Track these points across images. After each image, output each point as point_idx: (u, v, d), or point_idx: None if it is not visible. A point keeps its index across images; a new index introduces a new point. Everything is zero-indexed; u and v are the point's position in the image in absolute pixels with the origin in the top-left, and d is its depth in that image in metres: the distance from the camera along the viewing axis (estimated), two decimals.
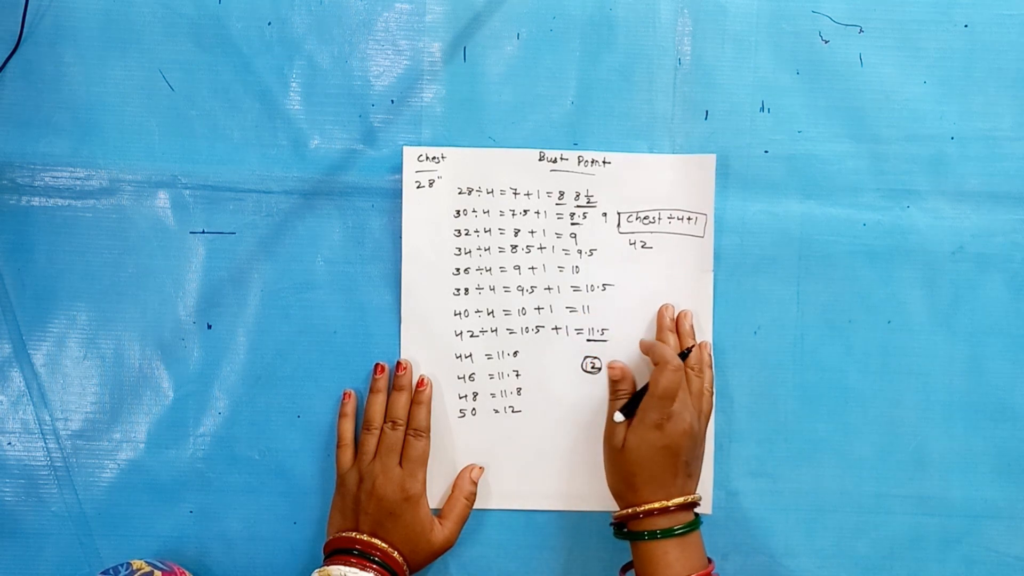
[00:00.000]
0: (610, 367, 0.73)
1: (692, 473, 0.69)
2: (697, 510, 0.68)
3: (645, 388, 0.70)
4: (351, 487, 0.70)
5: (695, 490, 0.69)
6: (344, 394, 0.73)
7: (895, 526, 0.74)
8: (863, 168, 0.74)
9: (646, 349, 0.72)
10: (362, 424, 0.72)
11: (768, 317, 0.74)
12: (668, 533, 0.65)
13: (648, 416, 0.67)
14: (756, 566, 0.74)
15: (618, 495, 0.69)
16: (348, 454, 0.72)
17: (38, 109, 0.73)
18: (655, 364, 0.69)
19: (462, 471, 0.73)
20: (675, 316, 0.73)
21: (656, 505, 0.66)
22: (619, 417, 0.70)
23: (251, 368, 0.73)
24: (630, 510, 0.67)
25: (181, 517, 0.73)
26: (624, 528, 0.68)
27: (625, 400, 0.71)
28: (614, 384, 0.72)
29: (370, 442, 0.71)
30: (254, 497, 0.73)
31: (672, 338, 0.72)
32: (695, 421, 0.68)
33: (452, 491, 0.73)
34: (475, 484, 0.72)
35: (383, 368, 0.73)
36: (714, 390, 0.72)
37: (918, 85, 0.74)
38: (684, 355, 0.71)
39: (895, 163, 0.74)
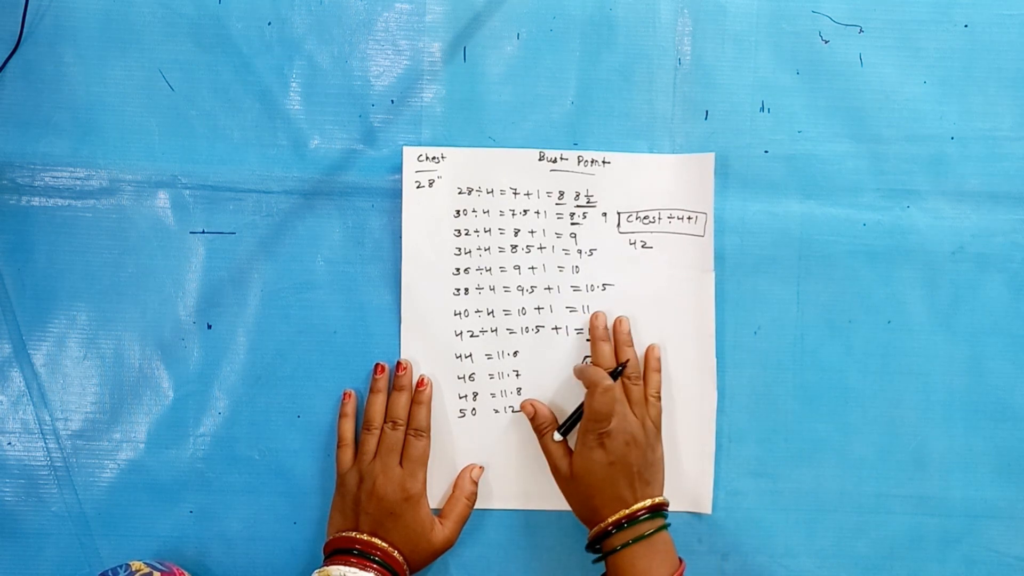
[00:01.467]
0: (521, 406, 0.73)
1: (650, 480, 0.68)
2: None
3: (580, 408, 0.70)
4: (351, 487, 0.70)
5: (660, 494, 0.68)
6: (344, 394, 0.73)
7: (895, 526, 0.74)
8: (863, 168, 0.74)
9: (577, 374, 0.72)
10: (362, 424, 0.72)
11: (768, 317, 0.74)
12: (638, 539, 0.65)
13: (587, 439, 0.67)
14: (756, 566, 0.74)
15: (585, 521, 0.69)
16: (348, 454, 0.71)
17: (38, 109, 0.73)
18: (586, 388, 0.69)
19: (462, 471, 0.73)
20: (609, 325, 0.73)
21: (620, 515, 0.66)
22: (558, 437, 0.70)
23: (251, 368, 0.73)
24: (598, 526, 0.67)
25: (181, 517, 0.73)
26: (599, 548, 0.68)
27: (551, 431, 0.71)
28: (532, 421, 0.72)
29: (370, 442, 0.71)
30: (254, 497, 0.73)
31: (607, 347, 0.72)
32: (638, 431, 0.68)
33: (452, 491, 0.73)
34: (475, 484, 0.72)
35: (383, 368, 0.73)
36: (661, 395, 0.72)
37: (918, 85, 0.74)
38: (621, 369, 0.71)
39: (895, 163, 0.74)
